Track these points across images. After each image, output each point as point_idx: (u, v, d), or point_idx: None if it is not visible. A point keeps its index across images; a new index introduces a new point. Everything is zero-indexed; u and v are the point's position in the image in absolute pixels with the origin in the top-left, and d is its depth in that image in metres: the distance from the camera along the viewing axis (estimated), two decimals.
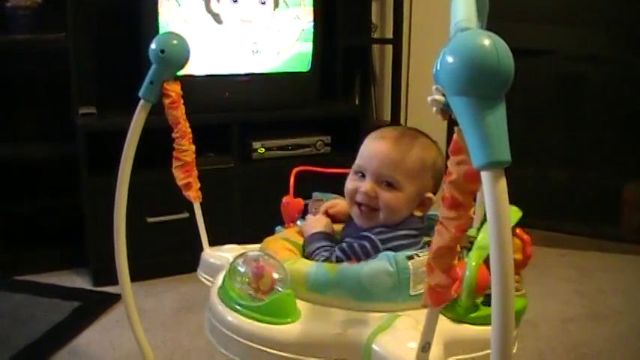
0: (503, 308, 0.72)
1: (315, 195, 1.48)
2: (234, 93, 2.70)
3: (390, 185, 1.23)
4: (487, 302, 1.11)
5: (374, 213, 1.24)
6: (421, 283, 1.11)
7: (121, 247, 1.62)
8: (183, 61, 1.47)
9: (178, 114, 1.49)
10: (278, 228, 1.44)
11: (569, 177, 3.29)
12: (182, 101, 1.49)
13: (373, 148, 1.26)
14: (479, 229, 1.15)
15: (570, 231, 3.09)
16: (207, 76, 2.65)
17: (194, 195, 1.53)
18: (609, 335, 2.20)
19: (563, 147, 3.27)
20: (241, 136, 2.73)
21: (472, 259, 1.07)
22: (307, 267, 1.17)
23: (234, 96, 2.70)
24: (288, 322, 1.09)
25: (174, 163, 1.51)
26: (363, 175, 1.25)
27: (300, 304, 1.13)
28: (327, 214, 1.40)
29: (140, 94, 1.48)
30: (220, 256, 1.43)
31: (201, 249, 1.51)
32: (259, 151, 2.76)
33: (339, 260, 1.21)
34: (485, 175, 0.70)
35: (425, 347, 0.95)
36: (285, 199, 1.48)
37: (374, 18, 3.37)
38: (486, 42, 0.69)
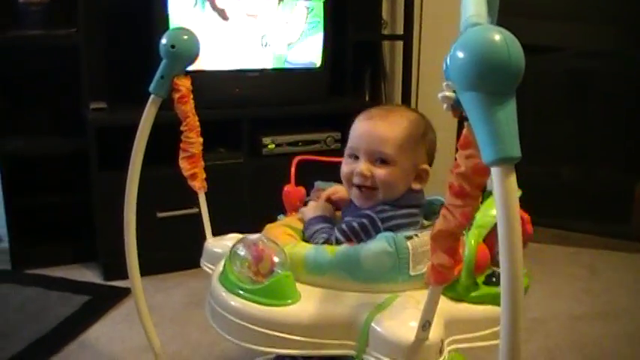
0: (513, 305, 0.72)
1: (318, 184, 1.49)
2: (245, 88, 2.70)
3: (384, 161, 1.23)
4: (487, 282, 1.12)
5: (373, 192, 1.25)
6: (421, 263, 1.12)
7: (131, 241, 1.63)
8: (193, 56, 1.48)
9: (187, 108, 1.49)
10: (280, 216, 1.45)
11: (580, 175, 3.28)
12: (191, 96, 1.50)
13: (362, 127, 1.28)
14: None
15: (580, 229, 3.08)
16: (218, 71, 2.65)
17: (199, 185, 1.54)
18: (618, 334, 2.19)
19: (573, 144, 3.26)
20: (251, 132, 2.74)
21: (471, 238, 1.08)
22: (306, 250, 1.18)
23: (245, 91, 2.70)
24: (289, 304, 1.10)
25: (181, 155, 1.52)
26: (357, 157, 1.27)
27: (300, 287, 1.13)
28: (329, 200, 1.40)
29: (150, 89, 1.49)
30: (223, 244, 1.43)
31: (204, 239, 1.52)
32: (269, 146, 2.76)
33: (338, 242, 1.21)
34: (495, 171, 0.70)
35: (425, 326, 0.96)
36: (286, 188, 1.49)
37: (384, 14, 3.36)
38: (497, 37, 0.69)
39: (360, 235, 1.21)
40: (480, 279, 1.11)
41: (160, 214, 2.57)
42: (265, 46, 2.72)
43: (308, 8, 2.77)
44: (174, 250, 2.62)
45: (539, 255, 2.79)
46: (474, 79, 0.70)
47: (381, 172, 1.23)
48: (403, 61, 3.27)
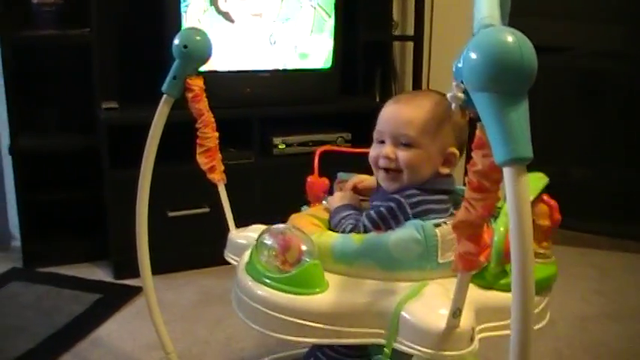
0: (523, 304, 0.72)
1: (340, 175, 1.49)
2: (256, 88, 2.71)
3: (408, 145, 1.23)
4: None
5: (398, 174, 1.25)
6: (449, 250, 1.11)
7: (142, 240, 1.64)
8: (205, 57, 1.49)
9: (202, 106, 1.50)
10: (304, 207, 1.45)
11: (590, 175, 3.27)
12: (205, 94, 1.51)
13: (387, 111, 1.29)
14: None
15: (592, 230, 3.07)
16: (229, 72, 2.66)
17: (218, 177, 1.54)
18: (629, 335, 2.19)
19: (585, 144, 3.25)
20: (262, 132, 2.75)
21: (500, 225, 1.07)
22: (333, 238, 1.17)
23: (256, 91, 2.71)
24: (317, 293, 1.09)
25: (198, 150, 1.52)
26: (383, 142, 1.27)
27: (328, 276, 1.13)
28: (355, 189, 1.41)
29: (163, 89, 1.50)
30: (246, 235, 1.42)
31: (224, 232, 1.51)
32: (280, 147, 2.77)
33: (366, 229, 1.21)
34: (507, 171, 0.71)
35: (455, 313, 0.95)
36: (310, 179, 1.49)
37: (395, 15, 3.36)
38: (510, 38, 0.70)
39: (387, 220, 1.19)
40: (509, 266, 1.11)
41: (171, 214, 2.58)
42: (273, 44, 2.73)
43: (314, 7, 2.77)
44: (184, 249, 2.63)
45: None
46: (486, 79, 0.71)
47: (405, 154, 1.23)
48: (413, 62, 3.27)
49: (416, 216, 1.18)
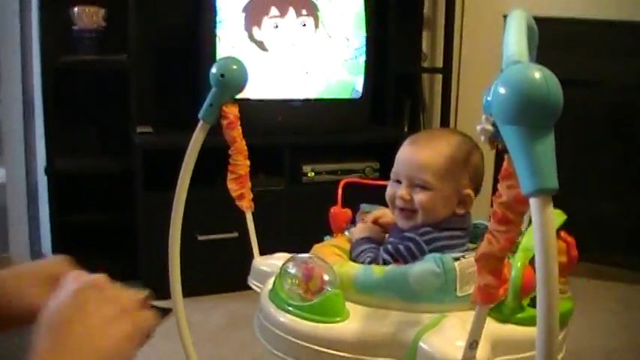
0: (548, 333, 0.74)
1: (363, 207, 1.51)
2: (288, 117, 2.76)
3: (423, 187, 1.26)
4: (533, 304, 1.13)
5: (413, 214, 1.27)
6: (468, 284, 1.12)
7: (175, 262, 1.66)
8: (241, 85, 1.52)
9: (235, 134, 1.53)
10: (326, 237, 1.47)
11: (618, 208, 3.24)
12: (239, 122, 1.54)
13: (404, 153, 1.31)
14: (523, 233, 1.17)
15: (618, 263, 3.04)
16: (262, 100, 2.71)
17: (247, 205, 1.56)
18: None
19: (610, 178, 3.23)
20: (292, 160, 2.78)
21: (518, 260, 1.09)
22: (355, 269, 1.20)
23: (287, 120, 2.76)
24: (337, 322, 1.12)
25: (229, 177, 1.54)
26: (400, 181, 1.29)
27: (349, 306, 1.15)
28: (376, 223, 1.43)
29: (200, 115, 1.54)
30: (270, 263, 1.44)
31: (252, 257, 1.53)
32: (309, 174, 2.80)
33: (385, 262, 1.24)
34: (533, 202, 0.73)
35: (472, 345, 0.96)
36: (333, 210, 1.51)
37: (425, 47, 3.41)
38: (537, 75, 0.73)
39: (405, 257, 1.23)
40: (526, 301, 1.12)
41: (201, 237, 2.62)
42: (307, 73, 2.78)
43: (347, 39, 2.83)
44: (213, 272, 2.66)
45: (573, 288, 2.76)
46: (514, 113, 0.74)
47: (420, 197, 1.25)
48: (442, 94, 3.31)
49: (432, 251, 1.21)
